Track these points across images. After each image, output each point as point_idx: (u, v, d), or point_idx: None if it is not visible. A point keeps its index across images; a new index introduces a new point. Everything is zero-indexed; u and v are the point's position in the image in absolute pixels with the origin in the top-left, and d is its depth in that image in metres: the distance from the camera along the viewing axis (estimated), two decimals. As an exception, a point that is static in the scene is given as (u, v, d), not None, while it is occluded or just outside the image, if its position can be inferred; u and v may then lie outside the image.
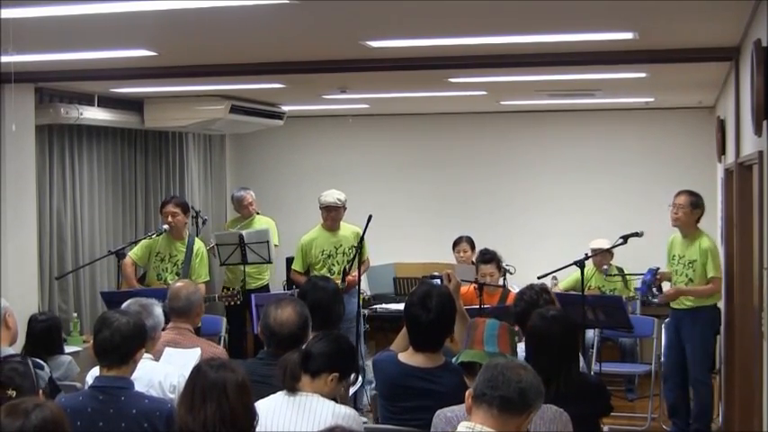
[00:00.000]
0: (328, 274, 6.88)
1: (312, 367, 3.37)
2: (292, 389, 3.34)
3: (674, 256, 6.53)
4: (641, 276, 6.72)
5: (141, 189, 8.75)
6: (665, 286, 6.70)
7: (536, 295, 4.42)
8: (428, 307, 3.87)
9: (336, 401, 3.50)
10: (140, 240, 7.16)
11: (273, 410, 3.31)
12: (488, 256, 6.66)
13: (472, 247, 8.32)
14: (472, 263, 8.15)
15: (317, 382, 3.37)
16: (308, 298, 4.45)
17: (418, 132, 10.00)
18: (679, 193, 6.47)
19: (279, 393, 3.38)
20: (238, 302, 6.95)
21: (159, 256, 6.98)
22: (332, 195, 7.35)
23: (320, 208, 7.43)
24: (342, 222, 7.41)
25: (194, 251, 6.95)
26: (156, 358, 4.17)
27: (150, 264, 7.02)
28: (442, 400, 3.52)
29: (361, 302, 7.52)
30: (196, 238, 7.19)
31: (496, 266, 6.62)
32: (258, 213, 8.46)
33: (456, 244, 8.36)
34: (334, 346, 3.43)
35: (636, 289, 7.23)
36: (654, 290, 6.53)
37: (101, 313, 4.10)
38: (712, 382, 6.59)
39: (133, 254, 7.03)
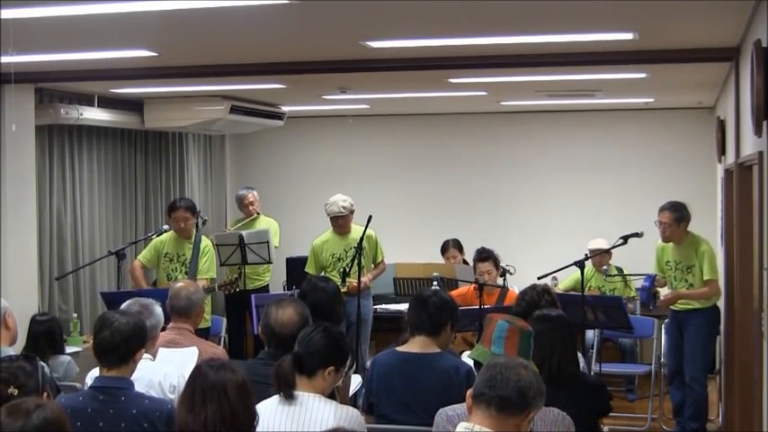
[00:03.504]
0: (339, 277, 6.87)
1: (307, 368, 3.35)
2: (290, 396, 3.30)
3: (667, 262, 6.56)
4: (641, 277, 6.72)
5: (141, 189, 8.75)
6: (663, 291, 6.72)
7: (537, 296, 4.46)
8: (429, 294, 4.21)
9: (336, 398, 3.49)
10: (140, 241, 7.15)
11: (273, 413, 3.29)
12: (485, 254, 6.68)
13: (460, 250, 8.35)
14: (465, 262, 8.18)
15: (314, 381, 3.36)
16: (308, 298, 4.47)
17: (418, 132, 10.00)
18: (662, 210, 6.50)
19: (277, 396, 3.35)
20: (237, 290, 6.96)
21: (168, 256, 6.96)
22: (336, 205, 7.23)
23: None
24: (352, 225, 7.36)
25: (201, 249, 6.93)
26: (154, 358, 4.17)
27: (159, 265, 7.01)
28: (435, 381, 3.87)
29: (371, 302, 7.53)
30: (203, 237, 7.15)
31: (494, 264, 6.64)
32: (259, 214, 8.45)
33: (444, 250, 8.39)
34: (323, 341, 3.39)
35: (637, 289, 7.22)
36: (651, 297, 6.56)
37: (101, 313, 4.10)
38: (708, 382, 6.60)
39: (142, 257, 7.02)
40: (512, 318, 3.47)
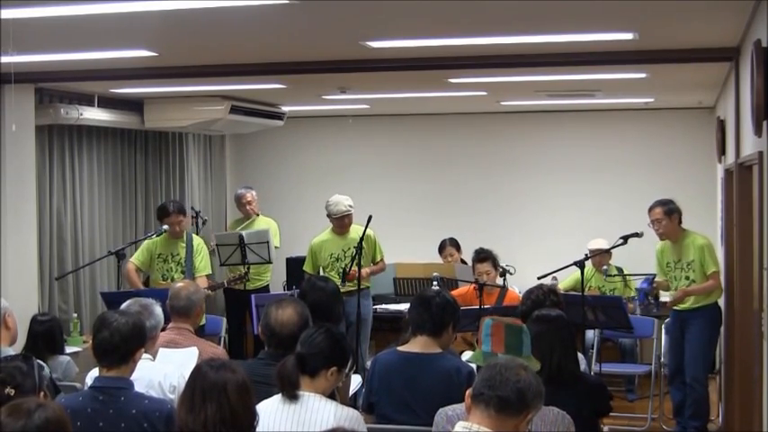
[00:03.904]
0: (337, 277, 6.87)
1: (310, 368, 3.37)
2: (293, 396, 3.32)
3: (668, 263, 6.56)
4: (641, 277, 6.72)
5: (141, 189, 8.75)
6: (664, 296, 6.70)
7: (543, 296, 4.47)
8: (432, 294, 4.21)
9: (336, 398, 3.49)
10: (140, 241, 7.18)
11: (274, 413, 3.30)
12: (483, 255, 6.67)
13: (458, 248, 8.34)
14: (462, 261, 8.18)
15: (317, 381, 3.37)
16: (307, 298, 4.47)
17: (418, 132, 10.00)
18: (651, 209, 6.52)
19: (278, 396, 3.36)
20: (246, 282, 7.00)
21: (161, 257, 7.00)
22: (342, 204, 7.25)
23: (329, 217, 7.37)
24: (351, 225, 7.37)
25: (194, 247, 6.98)
26: (154, 358, 4.17)
27: (153, 266, 7.03)
28: (435, 381, 3.88)
29: (370, 302, 7.53)
30: (194, 235, 7.21)
31: (492, 265, 6.63)
32: (258, 214, 8.44)
33: (441, 249, 8.38)
34: (327, 342, 3.42)
35: (633, 298, 7.21)
36: (650, 299, 6.54)
37: (100, 313, 4.10)
38: (708, 382, 6.60)
39: (135, 259, 7.04)
40: (498, 316, 3.51)
